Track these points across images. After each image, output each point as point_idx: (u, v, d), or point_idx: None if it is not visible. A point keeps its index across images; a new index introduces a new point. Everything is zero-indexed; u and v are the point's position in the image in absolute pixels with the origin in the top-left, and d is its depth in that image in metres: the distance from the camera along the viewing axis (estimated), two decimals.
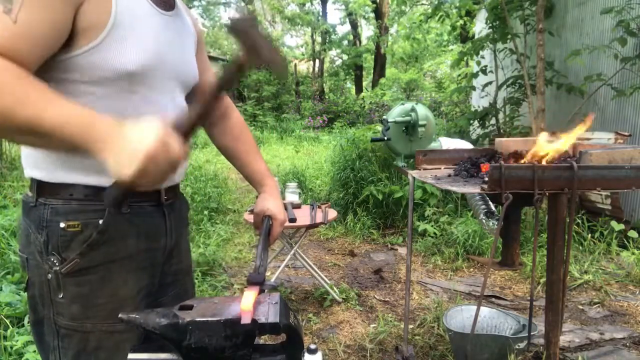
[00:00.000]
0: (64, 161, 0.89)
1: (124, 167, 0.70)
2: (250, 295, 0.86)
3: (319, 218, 2.93)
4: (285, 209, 3.09)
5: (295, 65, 19.77)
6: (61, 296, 0.91)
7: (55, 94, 0.73)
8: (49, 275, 0.90)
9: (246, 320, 0.82)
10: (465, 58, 5.83)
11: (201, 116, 0.83)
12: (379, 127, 5.20)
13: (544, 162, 1.58)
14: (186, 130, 0.80)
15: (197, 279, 3.18)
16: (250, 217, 3.00)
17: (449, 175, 1.86)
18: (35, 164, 0.92)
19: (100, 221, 0.90)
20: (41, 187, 0.91)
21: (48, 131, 0.70)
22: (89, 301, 0.92)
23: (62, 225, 0.89)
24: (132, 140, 0.71)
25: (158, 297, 1.07)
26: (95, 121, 0.72)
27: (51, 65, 0.83)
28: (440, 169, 2.04)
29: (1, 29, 0.73)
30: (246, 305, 0.84)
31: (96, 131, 0.71)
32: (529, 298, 2.56)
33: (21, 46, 0.75)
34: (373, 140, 2.78)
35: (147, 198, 0.99)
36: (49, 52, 0.80)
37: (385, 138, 2.63)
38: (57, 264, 0.89)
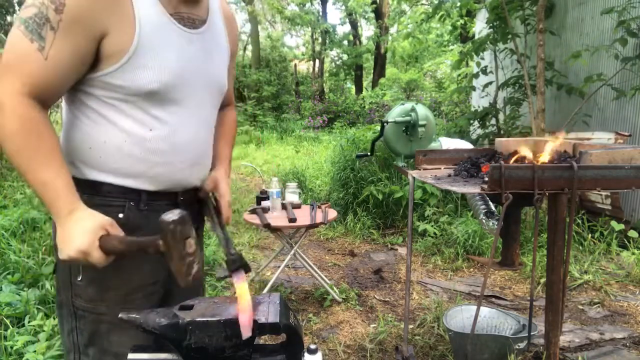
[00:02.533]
0: (95, 163, 1.00)
1: (61, 249, 0.90)
2: (242, 284, 0.87)
3: (319, 218, 2.93)
4: (285, 209, 3.12)
5: (295, 65, 19.77)
6: (80, 279, 1.00)
7: (51, 156, 0.88)
8: None
9: (246, 330, 0.82)
10: (465, 58, 5.82)
11: (137, 248, 0.91)
12: (379, 127, 5.21)
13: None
14: (116, 251, 0.90)
15: None
16: (250, 218, 2.99)
17: (449, 175, 1.86)
18: (69, 162, 0.99)
19: (121, 215, 1.00)
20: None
21: (29, 184, 0.90)
22: (104, 284, 1.00)
23: None
24: (70, 235, 0.88)
25: (170, 287, 1.11)
26: (61, 205, 0.89)
27: (81, 81, 0.94)
28: (440, 169, 2.04)
29: (35, 65, 0.87)
30: (243, 302, 0.85)
31: (59, 212, 0.89)
32: (529, 298, 2.56)
33: (49, 79, 0.89)
34: (358, 157, 2.81)
35: (164, 198, 1.07)
36: (73, 80, 0.93)
37: (369, 154, 2.69)
38: None
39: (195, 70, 1.03)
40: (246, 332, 0.82)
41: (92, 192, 0.99)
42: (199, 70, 1.04)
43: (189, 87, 1.02)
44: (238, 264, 0.93)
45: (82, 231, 0.87)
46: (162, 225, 0.81)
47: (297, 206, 3.21)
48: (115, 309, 0.96)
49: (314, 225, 2.88)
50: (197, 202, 1.17)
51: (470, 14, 7.19)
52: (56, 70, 0.88)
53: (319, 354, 0.87)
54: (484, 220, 2.08)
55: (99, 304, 1.00)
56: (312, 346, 0.87)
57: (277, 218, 2.95)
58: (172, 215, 0.81)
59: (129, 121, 0.97)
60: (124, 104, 0.96)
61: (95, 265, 0.89)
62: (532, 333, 1.99)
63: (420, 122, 2.55)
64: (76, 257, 0.87)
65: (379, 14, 17.61)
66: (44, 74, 0.87)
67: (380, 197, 4.54)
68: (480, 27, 7.05)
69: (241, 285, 0.89)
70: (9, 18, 8.33)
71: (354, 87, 20.31)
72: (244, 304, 0.84)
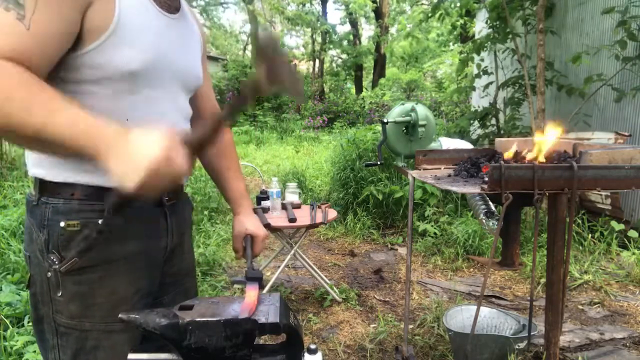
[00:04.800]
0: (67, 161, 0.89)
1: (128, 177, 0.72)
2: (253, 292, 0.88)
3: (319, 218, 2.93)
4: (285, 209, 3.12)
5: (296, 65, 19.76)
6: (60, 294, 0.91)
7: (64, 99, 0.75)
8: (49, 274, 0.91)
9: (244, 315, 0.83)
10: (467, 62, 5.79)
11: (211, 134, 0.84)
12: (379, 127, 5.20)
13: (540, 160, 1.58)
14: (194, 146, 0.81)
15: (197, 279, 3.18)
16: None
17: (449, 175, 1.86)
18: (38, 162, 0.92)
19: (100, 221, 0.91)
20: (43, 186, 0.92)
21: (56, 139, 0.72)
22: (87, 300, 0.92)
23: (62, 224, 0.90)
24: (137, 151, 0.72)
25: (159, 296, 1.08)
26: (103, 129, 0.74)
27: (58, 64, 0.84)
28: (440, 169, 2.04)
29: (15, 37, 0.74)
30: (249, 300, 0.86)
31: (104, 139, 0.73)
32: (529, 298, 2.56)
33: (34, 53, 0.76)
34: (367, 165, 2.80)
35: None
36: (58, 56, 0.81)
37: (379, 163, 2.69)
38: (56, 262, 0.90)
39: (173, 55, 0.98)
40: (243, 314, 0.84)
41: (68, 197, 0.91)
42: (176, 57, 0.99)
43: (166, 73, 0.97)
44: (255, 276, 0.97)
45: (156, 136, 0.74)
46: (260, 41, 0.79)
47: (297, 206, 3.21)
48: (100, 325, 0.93)
49: (314, 225, 2.88)
50: (179, 200, 1.12)
51: (470, 14, 7.19)
52: (42, 44, 0.76)
53: (319, 354, 0.87)
54: (484, 220, 2.08)
55: (82, 321, 0.92)
56: (312, 346, 0.88)
57: (277, 218, 2.95)
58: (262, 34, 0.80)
59: (103, 110, 0.86)
60: (98, 89, 0.87)
61: (180, 179, 0.77)
62: (532, 333, 1.99)
63: (420, 122, 2.55)
64: (157, 167, 0.72)
65: (379, 13, 17.62)
66: (27, 48, 0.75)
67: (380, 197, 4.54)
68: (480, 27, 7.05)
69: (251, 293, 0.92)
70: None
71: (354, 87, 20.31)
72: (250, 300, 0.89)
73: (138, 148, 0.73)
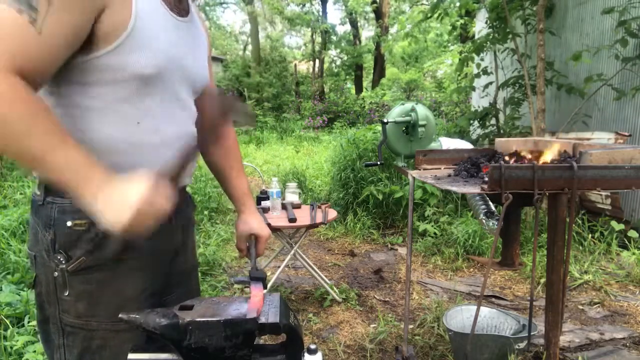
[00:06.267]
0: None
1: (115, 220, 0.77)
2: (259, 292, 0.89)
3: (319, 218, 2.93)
4: (285, 209, 3.12)
5: (295, 65, 19.77)
6: (67, 294, 0.91)
7: (62, 132, 0.77)
8: (56, 273, 0.91)
9: (252, 315, 0.83)
10: (466, 62, 5.79)
11: (184, 163, 0.91)
12: (379, 127, 5.20)
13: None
14: (173, 176, 0.88)
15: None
16: None
17: (449, 175, 1.86)
18: None
19: None
20: (49, 186, 0.92)
21: (47, 173, 0.77)
22: (94, 299, 0.93)
23: (69, 223, 0.90)
24: (123, 195, 0.78)
25: (163, 296, 1.08)
26: (92, 173, 0.78)
27: (70, 66, 0.84)
28: (440, 169, 2.04)
29: (24, 42, 0.75)
30: (255, 300, 0.86)
31: (92, 185, 0.78)
32: (529, 298, 2.55)
33: (42, 58, 0.77)
34: (367, 165, 2.80)
35: None
36: (65, 59, 0.82)
37: (379, 163, 2.69)
38: (63, 261, 0.90)
39: (184, 59, 0.99)
40: (252, 314, 0.86)
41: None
42: (187, 60, 1.00)
43: (177, 77, 0.97)
44: (259, 276, 0.99)
45: (138, 180, 0.79)
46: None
47: (297, 206, 3.21)
48: (107, 325, 0.93)
49: (314, 225, 2.88)
50: (184, 202, 1.12)
51: (470, 14, 7.18)
52: (51, 48, 0.77)
53: (319, 354, 0.87)
54: (484, 220, 2.08)
55: (89, 320, 0.93)
56: (312, 346, 0.88)
57: (277, 218, 2.95)
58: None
59: (114, 113, 0.89)
60: (111, 92, 0.88)
61: (164, 216, 0.81)
62: (532, 333, 1.99)
63: (420, 122, 2.55)
64: (142, 207, 0.77)
65: (379, 13, 17.62)
66: (36, 52, 0.75)
67: (380, 197, 4.54)
68: (480, 27, 7.05)
69: (257, 292, 0.93)
70: None
71: (354, 87, 20.32)
72: (256, 299, 0.90)
73: (123, 192, 0.78)
